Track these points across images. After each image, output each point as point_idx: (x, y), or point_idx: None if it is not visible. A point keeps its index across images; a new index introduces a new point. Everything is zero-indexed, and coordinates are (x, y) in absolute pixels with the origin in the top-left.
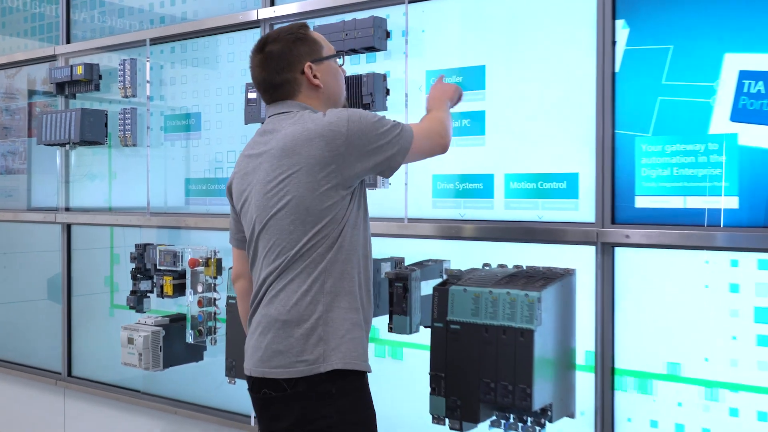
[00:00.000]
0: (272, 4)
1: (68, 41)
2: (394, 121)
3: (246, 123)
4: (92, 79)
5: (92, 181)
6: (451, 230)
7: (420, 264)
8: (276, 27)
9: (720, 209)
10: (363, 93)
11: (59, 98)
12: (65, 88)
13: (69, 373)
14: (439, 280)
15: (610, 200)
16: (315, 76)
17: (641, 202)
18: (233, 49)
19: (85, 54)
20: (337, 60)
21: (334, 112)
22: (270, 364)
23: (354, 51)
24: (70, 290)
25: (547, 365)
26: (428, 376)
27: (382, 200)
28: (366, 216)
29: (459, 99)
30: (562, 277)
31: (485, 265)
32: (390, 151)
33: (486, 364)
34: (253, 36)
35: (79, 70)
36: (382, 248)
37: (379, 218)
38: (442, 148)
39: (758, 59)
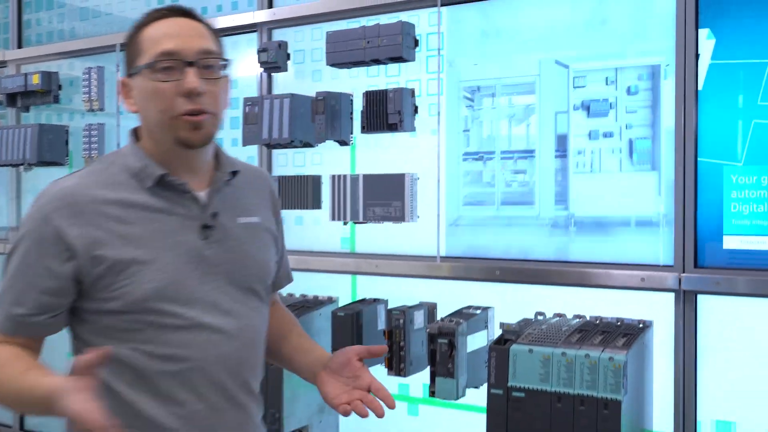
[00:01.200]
0: (270, 6)
1: (20, 45)
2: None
3: (244, 144)
4: (50, 90)
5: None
6: (495, 272)
7: (461, 313)
8: (275, 32)
9: None
10: (389, 111)
11: (8, 111)
12: (17, 99)
13: (21, 427)
14: (484, 332)
15: (692, 240)
16: (130, 96)
17: (730, 242)
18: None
19: (41, 60)
20: (158, 69)
21: (31, 211)
22: None
23: (377, 61)
24: None
25: None
26: None
27: (409, 235)
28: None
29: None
30: (641, 332)
31: (538, 314)
32: None
33: None
34: (248, 42)
35: (35, 80)
36: (405, 291)
37: (406, 256)
38: None
39: None
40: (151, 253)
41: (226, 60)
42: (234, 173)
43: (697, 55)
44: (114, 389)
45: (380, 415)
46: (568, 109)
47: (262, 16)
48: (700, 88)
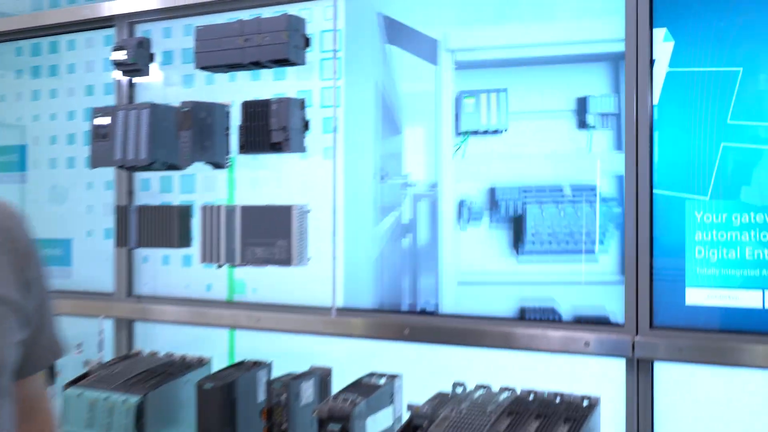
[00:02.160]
0: None
1: None
2: None
3: (93, 166)
4: None
5: None
6: (403, 330)
7: (360, 385)
8: (138, 26)
9: None
10: (272, 127)
11: None
12: None
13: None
14: (389, 409)
15: (647, 293)
16: None
17: (695, 296)
18: (76, 57)
19: None
20: None
21: None
22: None
23: (257, 64)
24: None
25: None
26: None
27: (301, 282)
28: None
29: None
30: (587, 413)
31: (457, 385)
32: None
33: None
34: (104, 38)
35: None
36: (297, 348)
37: (296, 306)
38: None
39: None
40: None
41: None
42: None
43: (651, 62)
44: None
45: None
46: (438, 181)
47: (121, 6)
48: (655, 102)
